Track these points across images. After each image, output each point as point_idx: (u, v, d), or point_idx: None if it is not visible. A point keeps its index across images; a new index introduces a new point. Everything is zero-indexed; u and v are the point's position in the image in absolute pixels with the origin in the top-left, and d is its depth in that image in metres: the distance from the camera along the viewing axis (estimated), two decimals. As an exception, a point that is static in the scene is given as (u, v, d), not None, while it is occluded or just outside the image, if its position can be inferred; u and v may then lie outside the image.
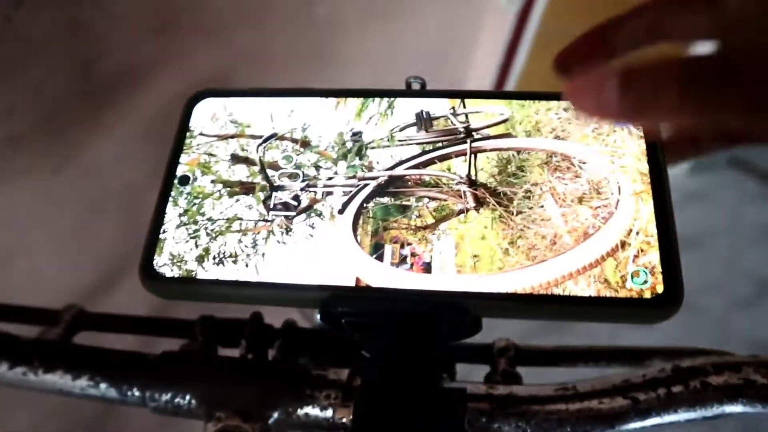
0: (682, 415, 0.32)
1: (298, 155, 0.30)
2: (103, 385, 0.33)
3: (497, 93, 0.30)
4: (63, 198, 0.54)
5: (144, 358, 0.33)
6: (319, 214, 0.28)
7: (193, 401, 0.32)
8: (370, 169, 0.29)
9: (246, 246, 0.28)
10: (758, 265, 1.82)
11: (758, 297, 1.75)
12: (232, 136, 0.31)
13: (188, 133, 0.31)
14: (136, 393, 0.33)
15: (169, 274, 0.28)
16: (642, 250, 0.26)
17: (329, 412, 0.30)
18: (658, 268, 0.26)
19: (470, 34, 1.29)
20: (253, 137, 0.31)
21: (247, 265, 0.27)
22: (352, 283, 0.27)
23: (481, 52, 1.37)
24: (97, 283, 0.57)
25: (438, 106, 0.31)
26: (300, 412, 0.31)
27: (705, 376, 0.31)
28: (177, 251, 0.28)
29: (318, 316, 0.29)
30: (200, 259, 0.28)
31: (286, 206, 0.29)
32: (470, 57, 1.36)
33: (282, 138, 0.30)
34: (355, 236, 0.28)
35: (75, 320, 0.37)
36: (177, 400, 0.32)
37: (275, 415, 0.31)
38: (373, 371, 0.28)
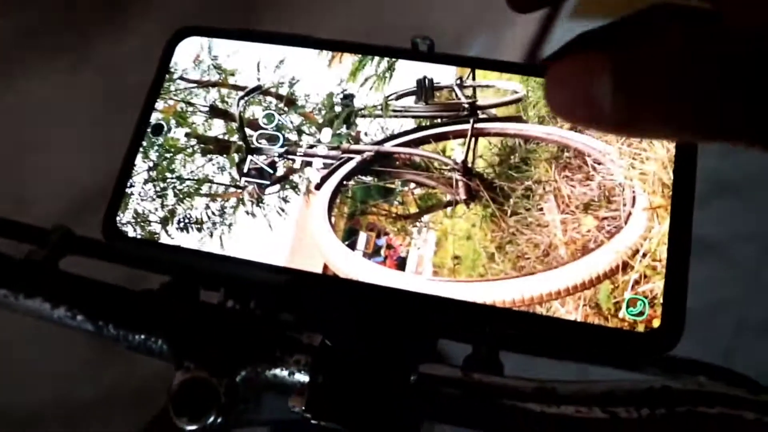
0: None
1: (281, 114, 0.27)
2: (79, 317, 0.33)
3: (513, 65, 0.26)
4: (80, 95, 0.52)
5: (123, 295, 0.33)
6: (295, 187, 0.26)
7: (164, 346, 0.32)
8: (357, 140, 0.26)
9: (213, 213, 0.26)
10: None
11: None
12: (214, 84, 0.28)
13: (168, 75, 0.28)
14: (111, 330, 0.33)
15: (131, 234, 0.26)
16: (645, 276, 0.23)
17: (295, 378, 0.29)
18: (659, 300, 0.23)
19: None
20: (236, 88, 0.28)
21: (211, 235, 0.26)
22: (319, 270, 0.25)
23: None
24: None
25: (444, 74, 0.27)
26: (268, 372, 0.30)
27: (694, 404, 0.28)
28: (142, 209, 0.26)
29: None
30: (164, 222, 0.26)
31: (260, 173, 0.26)
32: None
33: (266, 92, 0.27)
34: (330, 218, 0.25)
35: (61, 243, 0.37)
36: (149, 343, 0.32)
37: (243, 372, 0.31)
38: (331, 361, 0.26)
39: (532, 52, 1.48)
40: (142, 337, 0.32)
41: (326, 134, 0.27)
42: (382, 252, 0.25)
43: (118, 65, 0.53)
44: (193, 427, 0.30)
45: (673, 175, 0.24)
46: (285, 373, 0.29)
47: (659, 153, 0.24)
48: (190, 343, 0.32)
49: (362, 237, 0.25)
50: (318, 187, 0.26)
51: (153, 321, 0.32)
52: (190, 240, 0.26)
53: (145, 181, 0.27)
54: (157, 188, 0.26)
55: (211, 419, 0.30)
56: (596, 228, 0.24)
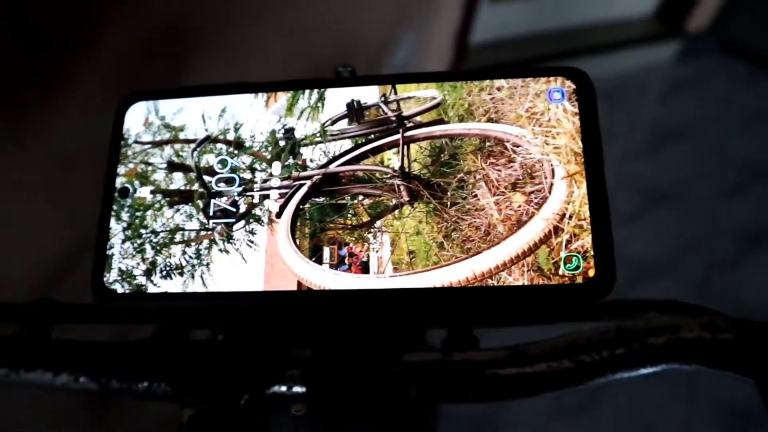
0: (623, 375, 0.33)
1: (232, 158, 0.30)
2: (82, 380, 0.35)
3: (428, 74, 0.30)
4: (33, 167, 0.54)
5: (119, 349, 0.35)
6: (258, 220, 0.29)
7: (168, 389, 0.35)
8: (305, 167, 0.29)
9: (190, 257, 0.29)
10: (747, 152, 1.80)
11: (746, 184, 1.75)
12: (167, 142, 0.30)
13: (123, 141, 0.31)
14: (115, 385, 0.35)
15: (120, 291, 0.29)
16: (575, 235, 0.27)
17: (293, 390, 0.32)
18: (591, 252, 0.26)
19: None
20: (187, 141, 0.30)
21: (193, 276, 0.28)
22: (294, 288, 0.28)
23: None
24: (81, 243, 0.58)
25: (369, 94, 0.30)
26: (268, 391, 0.33)
27: (645, 338, 0.32)
28: (125, 266, 0.29)
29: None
30: (148, 273, 0.29)
31: (225, 213, 0.29)
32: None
33: (215, 140, 0.30)
34: (294, 240, 0.28)
35: (48, 313, 0.39)
36: (152, 389, 0.35)
37: (246, 396, 0.33)
38: (322, 368, 0.29)
39: (460, 38, 1.53)
40: (145, 384, 0.35)
41: (276, 167, 0.30)
42: (346, 260, 0.28)
43: (62, 133, 0.55)
44: None
45: (582, 143, 0.28)
46: (283, 388, 0.32)
47: (567, 127, 0.28)
48: (190, 380, 0.34)
49: (326, 251, 0.28)
50: (278, 215, 0.29)
51: (152, 367, 0.34)
52: (174, 285, 0.28)
53: (123, 241, 0.29)
54: (135, 244, 0.29)
55: None
56: (525, 202, 0.28)
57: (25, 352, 0.36)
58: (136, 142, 0.31)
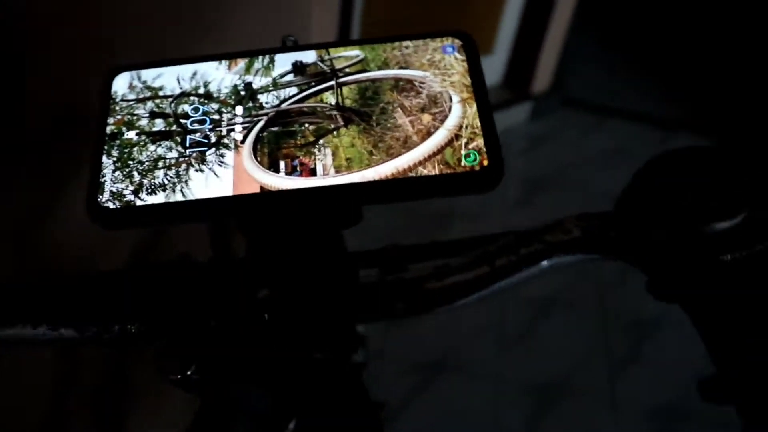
0: (531, 271, 0.41)
1: (203, 105, 0.38)
2: (63, 330, 0.40)
3: (354, 41, 0.39)
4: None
5: (86, 291, 0.40)
6: (226, 146, 0.36)
7: (141, 327, 0.39)
8: (262, 108, 0.38)
9: (171, 177, 0.36)
10: (609, 186, 2.04)
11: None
12: (149, 98, 0.38)
13: (111, 100, 0.38)
14: (93, 330, 0.40)
15: (112, 207, 0.35)
16: (471, 139, 0.36)
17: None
18: (484, 150, 0.35)
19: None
20: (166, 97, 0.38)
21: (174, 191, 0.35)
22: (258, 191, 0.35)
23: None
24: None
25: (309, 57, 0.39)
26: (235, 310, 0.38)
27: (542, 235, 0.40)
28: (116, 189, 0.35)
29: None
30: (136, 192, 0.35)
31: (198, 144, 0.37)
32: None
33: (189, 94, 0.38)
34: (256, 158, 0.36)
35: None
36: (127, 331, 0.39)
37: (212, 321, 0.39)
38: (279, 257, 0.36)
39: (341, 31, 1.69)
40: (117, 328, 0.39)
41: (239, 109, 0.38)
42: (298, 168, 0.36)
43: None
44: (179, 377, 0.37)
45: (470, 78, 0.38)
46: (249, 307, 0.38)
47: (458, 69, 0.38)
48: (158, 314, 0.39)
49: (281, 163, 0.36)
50: (242, 141, 0.37)
51: (120, 308, 0.39)
52: (158, 198, 0.35)
53: (113, 171, 0.36)
54: (124, 173, 0.36)
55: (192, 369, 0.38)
56: (432, 119, 0.37)
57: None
58: (122, 100, 0.38)
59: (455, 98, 0.37)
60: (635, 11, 3.31)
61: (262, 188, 0.35)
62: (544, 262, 0.40)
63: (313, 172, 0.35)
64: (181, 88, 0.39)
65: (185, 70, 0.39)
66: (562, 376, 1.60)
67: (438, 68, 0.38)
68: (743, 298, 0.29)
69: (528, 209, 2.06)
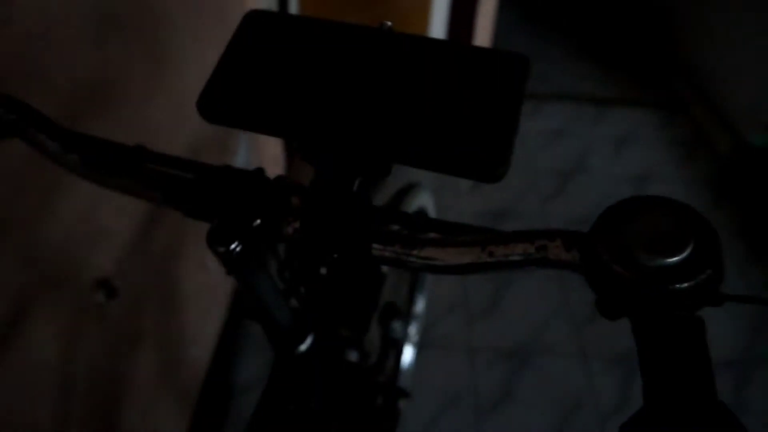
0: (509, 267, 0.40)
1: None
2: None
3: None
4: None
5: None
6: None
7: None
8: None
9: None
10: (554, 162, 2.41)
11: (562, 185, 2.30)
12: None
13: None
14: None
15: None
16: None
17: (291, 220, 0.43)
18: None
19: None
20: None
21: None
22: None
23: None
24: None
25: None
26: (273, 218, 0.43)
27: (524, 240, 0.38)
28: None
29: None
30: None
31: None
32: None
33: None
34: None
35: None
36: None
37: (258, 221, 0.44)
38: (313, 200, 0.43)
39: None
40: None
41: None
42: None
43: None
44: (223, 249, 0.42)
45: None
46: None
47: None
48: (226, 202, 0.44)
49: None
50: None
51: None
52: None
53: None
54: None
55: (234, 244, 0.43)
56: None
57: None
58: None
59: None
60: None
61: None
62: (518, 262, 0.39)
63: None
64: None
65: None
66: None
67: None
68: (677, 328, 0.30)
69: (483, 188, 2.18)
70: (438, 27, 2.49)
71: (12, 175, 0.64)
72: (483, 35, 2.47)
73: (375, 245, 0.41)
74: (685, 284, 0.30)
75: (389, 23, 0.46)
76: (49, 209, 0.72)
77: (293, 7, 1.87)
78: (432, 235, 0.41)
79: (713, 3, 2.68)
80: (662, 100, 2.80)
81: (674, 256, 0.31)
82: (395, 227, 0.42)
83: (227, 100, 0.43)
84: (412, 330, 1.45)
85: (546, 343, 1.72)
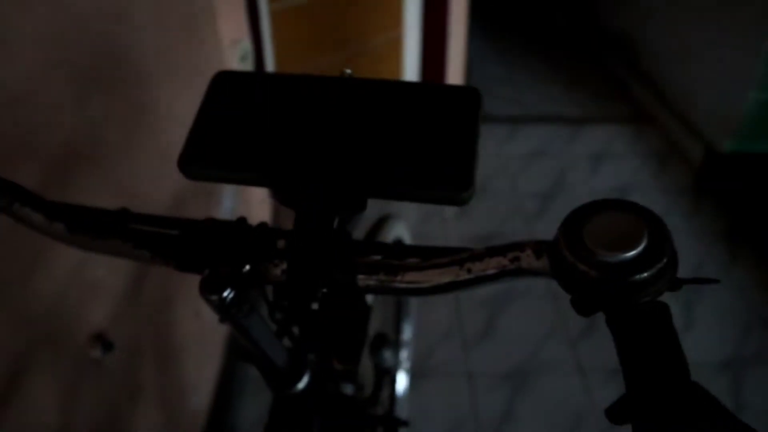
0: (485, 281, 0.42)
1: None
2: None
3: None
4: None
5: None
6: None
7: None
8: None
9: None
10: (533, 186, 2.43)
11: (544, 206, 2.33)
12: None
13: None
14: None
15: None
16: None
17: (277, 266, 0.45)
18: None
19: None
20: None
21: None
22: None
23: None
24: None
25: None
26: (261, 263, 0.45)
27: (497, 255, 0.41)
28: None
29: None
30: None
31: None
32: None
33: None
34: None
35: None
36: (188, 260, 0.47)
37: (247, 267, 0.46)
38: (297, 246, 0.45)
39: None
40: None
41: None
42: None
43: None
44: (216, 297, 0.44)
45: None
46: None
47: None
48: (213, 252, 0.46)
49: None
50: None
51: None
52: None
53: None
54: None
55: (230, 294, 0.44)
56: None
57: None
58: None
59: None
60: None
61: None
62: (495, 275, 0.41)
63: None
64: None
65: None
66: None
67: None
68: (649, 316, 0.32)
69: (469, 213, 2.21)
70: (411, 64, 2.55)
71: (1, 242, 0.66)
72: (455, 67, 2.53)
73: (360, 276, 0.44)
74: (645, 274, 0.33)
75: (349, 71, 0.49)
76: (41, 269, 0.74)
77: (268, 53, 1.92)
78: (412, 260, 0.43)
79: (669, 17, 2.78)
80: (631, 115, 2.87)
81: (631, 250, 0.33)
82: (377, 257, 0.44)
83: (205, 158, 0.47)
84: (403, 356, 1.46)
85: (543, 361, 1.73)
